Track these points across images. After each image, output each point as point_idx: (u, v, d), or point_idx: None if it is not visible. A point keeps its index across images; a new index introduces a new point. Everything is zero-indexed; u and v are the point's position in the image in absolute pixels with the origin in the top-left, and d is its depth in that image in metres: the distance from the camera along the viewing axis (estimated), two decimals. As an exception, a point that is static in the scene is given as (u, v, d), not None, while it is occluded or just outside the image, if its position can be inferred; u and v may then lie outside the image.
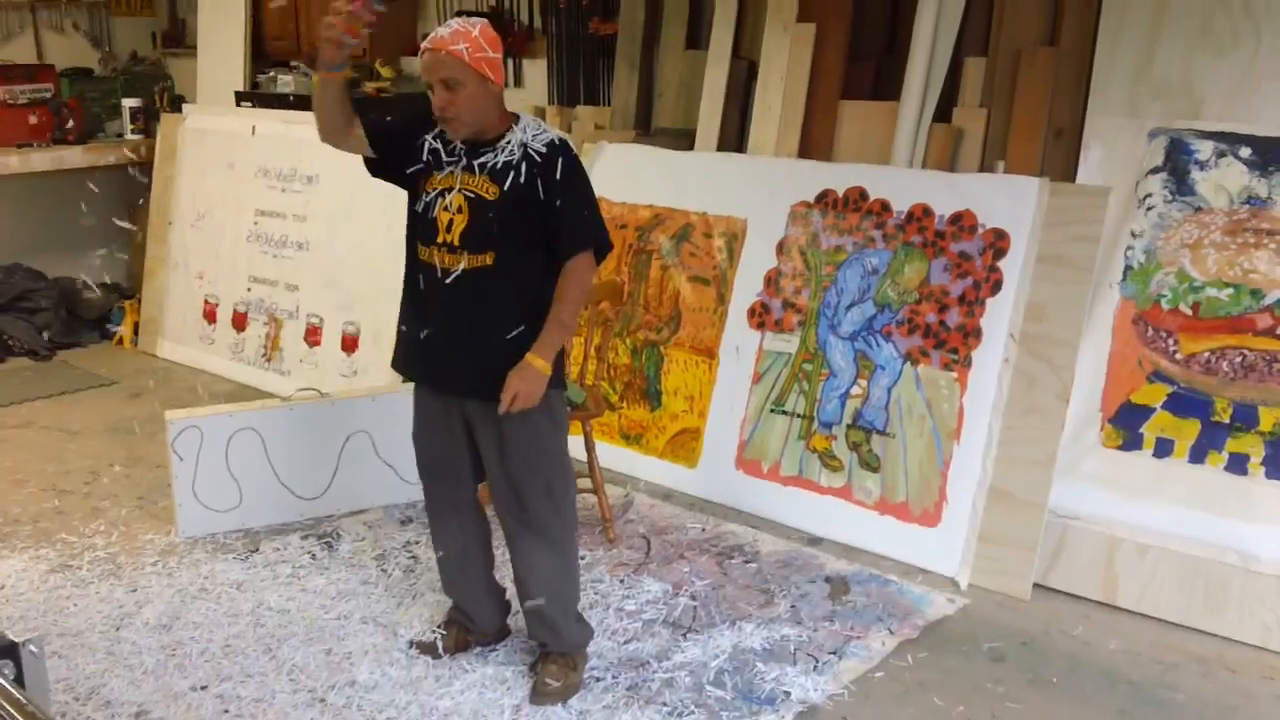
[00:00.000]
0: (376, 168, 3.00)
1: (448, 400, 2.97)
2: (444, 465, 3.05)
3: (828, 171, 4.24)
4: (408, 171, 2.92)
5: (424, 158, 2.89)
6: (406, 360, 3.03)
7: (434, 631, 3.31)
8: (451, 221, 2.82)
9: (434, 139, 2.89)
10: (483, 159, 2.82)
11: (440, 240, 2.83)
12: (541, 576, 3.02)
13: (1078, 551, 3.64)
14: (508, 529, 3.02)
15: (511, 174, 2.79)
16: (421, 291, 2.90)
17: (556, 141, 2.83)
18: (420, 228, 2.89)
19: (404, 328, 3.00)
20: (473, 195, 2.81)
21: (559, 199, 2.80)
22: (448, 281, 2.83)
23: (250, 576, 3.69)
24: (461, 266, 2.81)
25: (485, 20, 2.81)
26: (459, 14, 5.82)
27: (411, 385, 3.10)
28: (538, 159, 2.79)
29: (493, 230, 2.80)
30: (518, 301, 2.84)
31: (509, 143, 2.81)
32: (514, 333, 2.83)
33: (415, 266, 2.92)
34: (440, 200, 2.83)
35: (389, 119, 3.03)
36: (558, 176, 2.79)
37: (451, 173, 2.84)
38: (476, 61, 2.72)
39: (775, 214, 4.28)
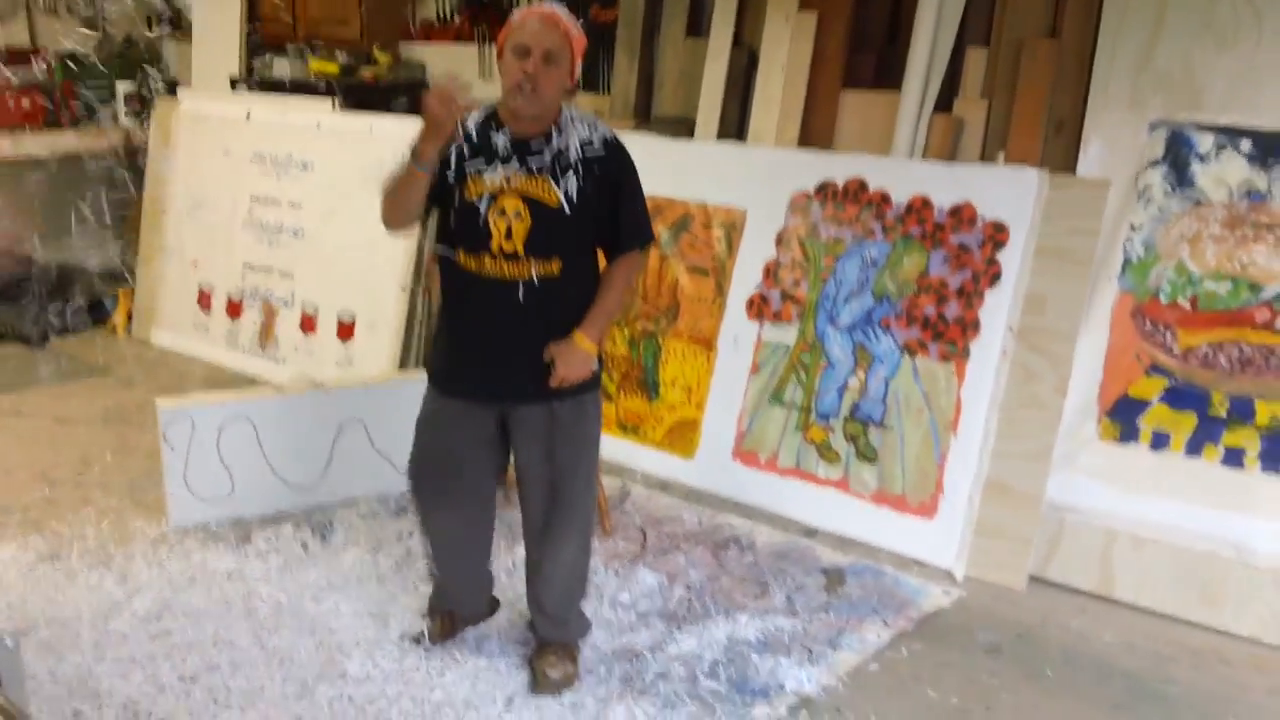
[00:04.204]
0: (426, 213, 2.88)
1: (487, 403, 2.88)
2: (459, 458, 2.94)
3: (828, 162, 4.21)
4: (447, 186, 2.77)
5: (452, 165, 2.75)
6: (451, 375, 2.90)
7: (421, 618, 3.28)
8: (510, 228, 2.71)
9: (463, 138, 2.75)
10: (536, 156, 2.72)
11: (496, 249, 2.72)
12: (567, 567, 2.99)
13: (1074, 544, 3.63)
14: (541, 524, 2.95)
15: (573, 177, 2.72)
16: (475, 304, 2.78)
17: (611, 140, 2.78)
18: (469, 237, 2.75)
19: (450, 342, 2.89)
20: (533, 200, 2.71)
21: (621, 202, 2.78)
22: (517, 292, 2.74)
23: (241, 567, 3.65)
24: (529, 275, 2.73)
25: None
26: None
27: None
28: (598, 161, 2.74)
29: (560, 237, 2.73)
30: (581, 305, 2.81)
31: (565, 140, 2.73)
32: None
33: (464, 278, 2.79)
34: (493, 205, 2.72)
35: None
36: (620, 181, 2.77)
37: (503, 175, 2.72)
38: (577, 51, 2.70)
39: (775, 205, 4.26)
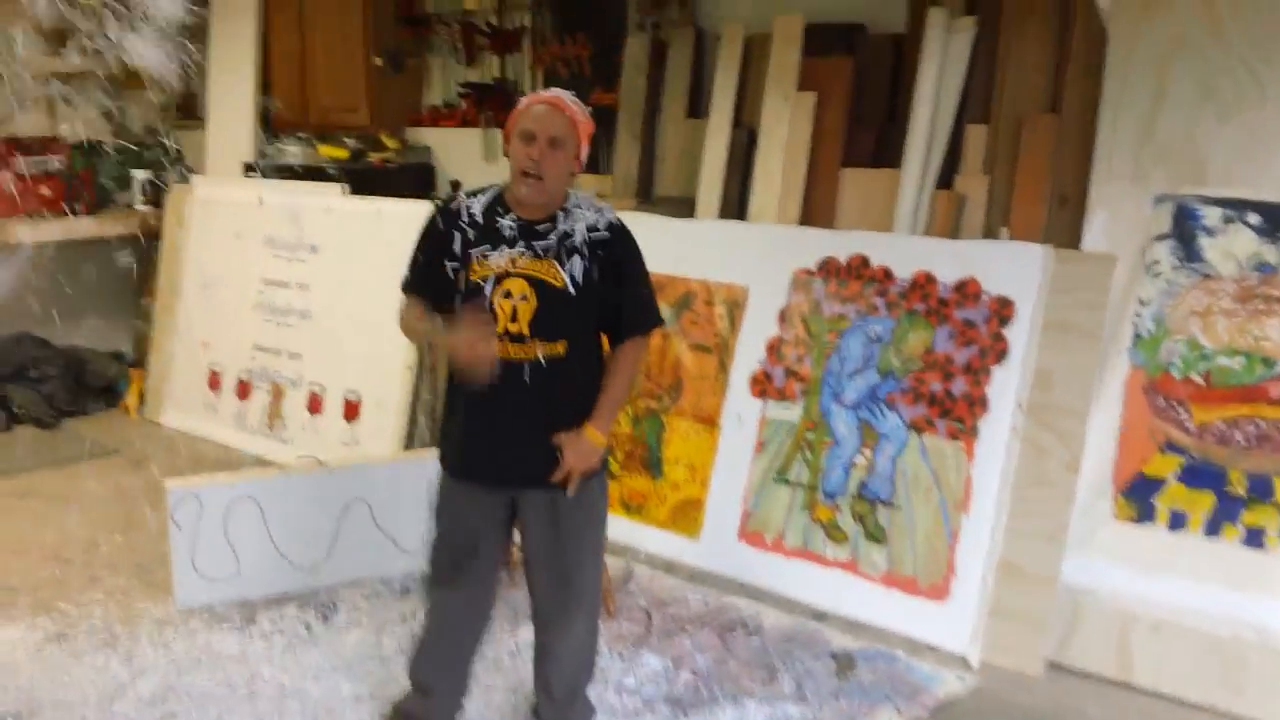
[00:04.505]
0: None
1: (497, 487, 2.85)
2: (475, 541, 2.91)
3: (829, 239, 4.21)
4: (449, 272, 2.78)
5: (457, 250, 2.76)
6: (462, 460, 2.87)
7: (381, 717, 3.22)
8: (516, 310, 2.71)
9: (467, 223, 2.77)
10: (542, 240, 2.73)
11: (502, 331, 2.70)
12: (575, 649, 2.96)
13: (1091, 628, 3.55)
14: (549, 606, 2.92)
15: (578, 259, 2.72)
16: (482, 386, 2.74)
17: (616, 224, 2.79)
18: None
19: (459, 426, 2.86)
20: (539, 282, 2.71)
21: (625, 286, 2.78)
22: (523, 374, 2.72)
23: (245, 648, 3.62)
24: (535, 357, 2.71)
25: None
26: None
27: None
28: (602, 244, 2.74)
29: (566, 319, 2.72)
30: (589, 387, 2.80)
31: (570, 223, 2.74)
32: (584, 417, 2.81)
33: None
34: (498, 288, 2.71)
35: (422, 260, 2.86)
36: (624, 264, 2.77)
37: (509, 257, 2.72)
38: (583, 136, 2.72)
39: (777, 281, 4.25)
